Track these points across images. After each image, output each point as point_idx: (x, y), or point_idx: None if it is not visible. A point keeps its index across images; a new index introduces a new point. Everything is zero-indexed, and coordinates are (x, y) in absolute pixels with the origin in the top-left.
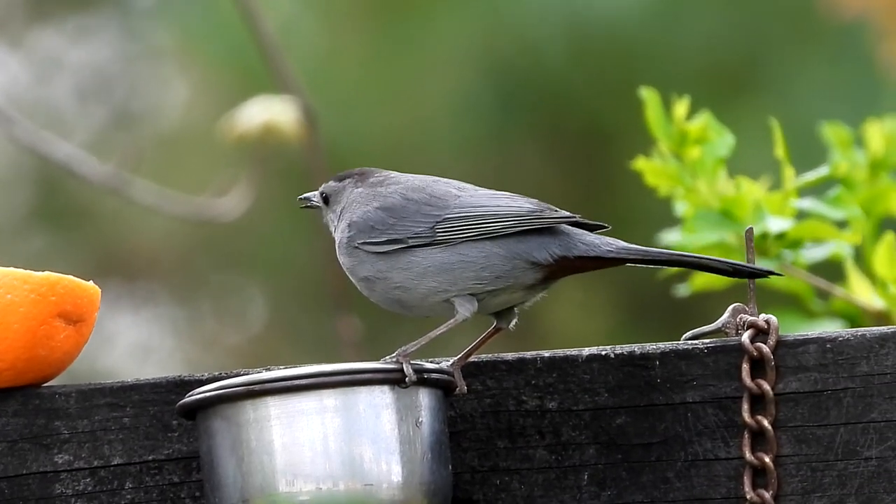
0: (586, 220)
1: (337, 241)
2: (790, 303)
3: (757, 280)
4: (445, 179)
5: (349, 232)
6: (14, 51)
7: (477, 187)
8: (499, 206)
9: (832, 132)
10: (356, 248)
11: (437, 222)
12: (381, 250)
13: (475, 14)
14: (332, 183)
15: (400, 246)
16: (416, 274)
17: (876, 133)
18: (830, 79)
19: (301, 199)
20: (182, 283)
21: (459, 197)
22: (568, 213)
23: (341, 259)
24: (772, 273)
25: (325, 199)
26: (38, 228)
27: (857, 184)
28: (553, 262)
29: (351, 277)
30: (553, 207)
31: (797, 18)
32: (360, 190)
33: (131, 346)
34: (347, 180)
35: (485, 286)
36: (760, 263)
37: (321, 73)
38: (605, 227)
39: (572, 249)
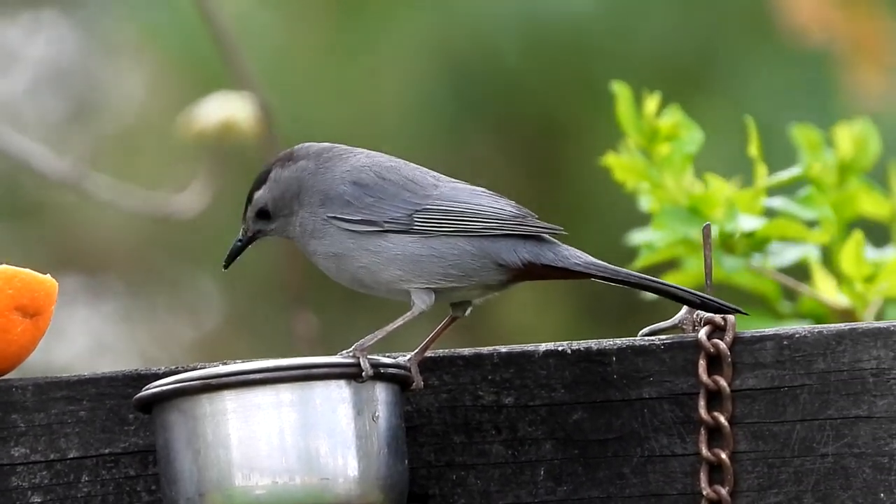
0: (546, 225)
1: (301, 228)
2: (757, 303)
3: (723, 280)
4: (408, 163)
5: (321, 207)
6: None
7: (451, 179)
8: (481, 205)
9: (802, 134)
10: (326, 220)
11: (416, 211)
12: (354, 228)
13: (430, 8)
14: (257, 193)
15: (374, 228)
16: (383, 259)
17: (845, 136)
18: (785, 81)
19: (226, 262)
20: (138, 277)
21: (438, 187)
22: (549, 225)
23: (306, 241)
24: (739, 311)
25: (264, 212)
26: None
27: (826, 186)
28: (521, 267)
29: (314, 257)
30: (533, 214)
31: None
32: (303, 164)
33: (87, 339)
34: (271, 172)
35: (449, 283)
36: (726, 260)
37: (277, 68)
38: (559, 231)
39: (541, 257)
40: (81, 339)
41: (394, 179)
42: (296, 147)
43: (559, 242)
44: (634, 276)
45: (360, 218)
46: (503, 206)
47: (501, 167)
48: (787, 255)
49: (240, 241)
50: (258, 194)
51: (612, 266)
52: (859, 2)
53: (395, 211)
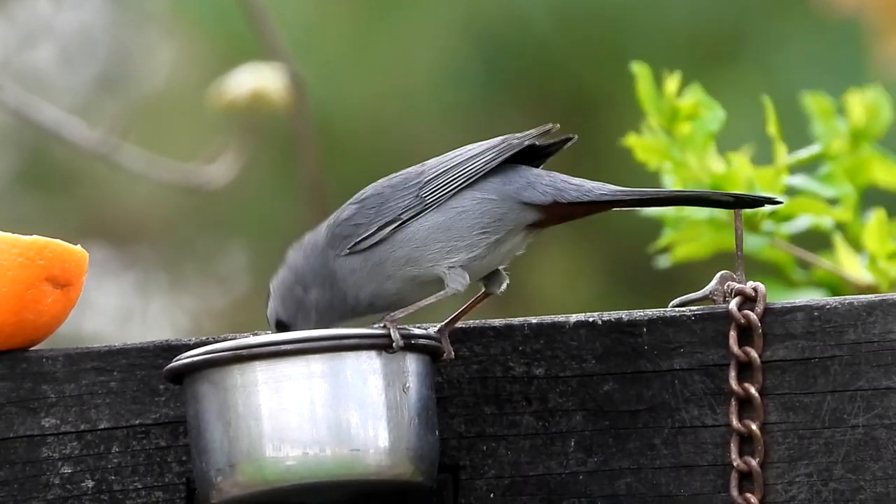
0: (535, 130)
1: (328, 300)
2: (771, 273)
3: (754, 249)
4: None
5: (332, 249)
6: None
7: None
8: (468, 149)
9: (814, 102)
10: (347, 255)
11: (420, 188)
12: (375, 238)
13: None
14: (270, 308)
15: (395, 225)
16: (418, 243)
17: (857, 103)
18: (816, 51)
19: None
20: (168, 248)
21: (426, 164)
22: (540, 128)
23: (346, 301)
24: (775, 201)
25: (284, 325)
26: (23, 193)
27: (838, 154)
28: (545, 201)
29: (361, 302)
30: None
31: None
32: (297, 251)
33: (117, 310)
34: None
35: (488, 234)
36: (750, 238)
37: (308, 40)
38: (571, 139)
39: (562, 190)
40: (111, 310)
41: (390, 184)
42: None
43: (570, 177)
44: (662, 192)
45: (375, 228)
46: (485, 142)
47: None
48: (800, 222)
49: None
50: (269, 312)
51: (637, 189)
52: None
53: (402, 201)
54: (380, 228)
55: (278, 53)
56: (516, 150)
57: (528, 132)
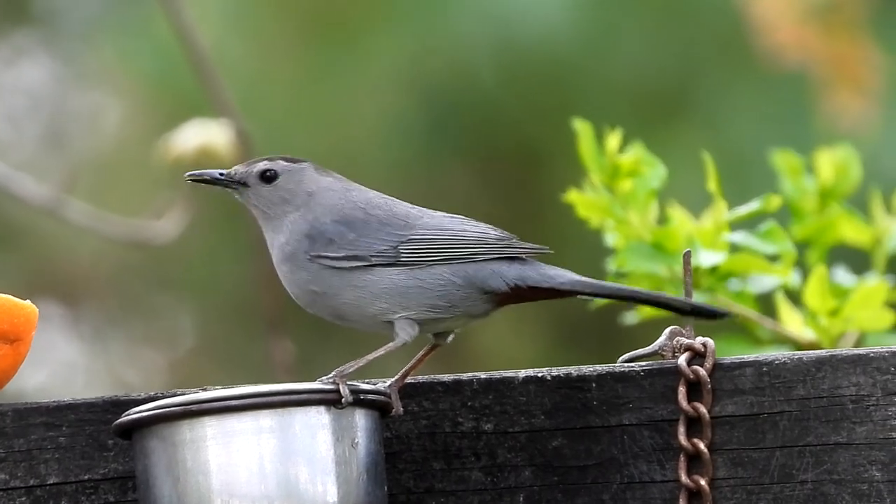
0: (531, 246)
1: (285, 248)
2: (737, 330)
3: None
4: (398, 200)
5: (305, 243)
6: None
7: (433, 211)
8: (465, 229)
9: (782, 160)
10: (310, 260)
11: (401, 242)
12: (339, 265)
13: (406, 36)
14: (281, 162)
15: (361, 263)
16: (369, 294)
17: (826, 162)
18: (762, 104)
19: (193, 177)
20: (115, 303)
21: (421, 218)
22: (534, 246)
23: (287, 268)
24: (728, 315)
25: (269, 177)
26: None
27: (806, 213)
28: (507, 291)
29: (293, 289)
30: (515, 237)
31: (730, 49)
32: (329, 180)
33: (63, 366)
34: (306, 164)
35: (435, 314)
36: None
37: (253, 96)
38: (546, 251)
39: (526, 279)
40: (58, 365)
41: (377, 214)
42: (327, 170)
43: (541, 263)
44: (623, 289)
45: (344, 254)
46: (485, 230)
47: (479, 195)
48: (763, 282)
49: (222, 174)
50: (283, 163)
51: (599, 282)
52: (836, 23)
53: (380, 244)
54: (347, 258)
55: (225, 109)
56: (510, 255)
57: (525, 246)
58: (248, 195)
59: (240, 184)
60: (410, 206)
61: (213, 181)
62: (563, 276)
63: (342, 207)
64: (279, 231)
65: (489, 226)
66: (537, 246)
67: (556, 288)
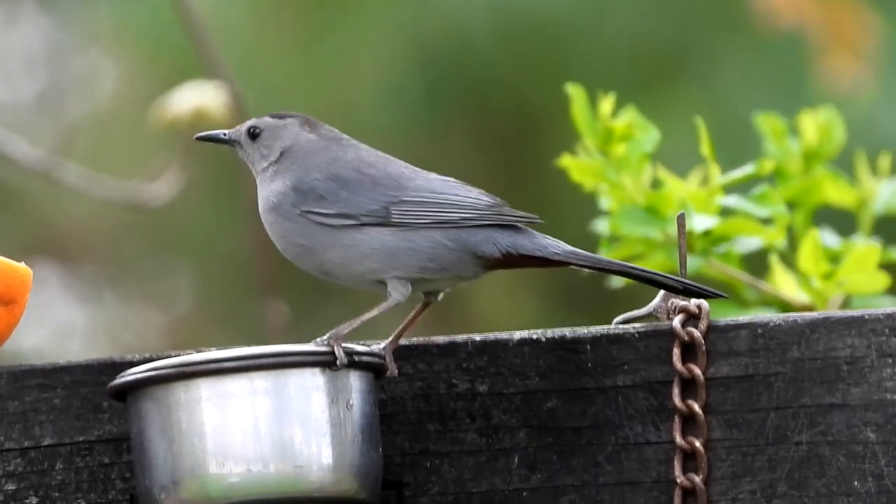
0: (523, 214)
1: (269, 199)
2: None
3: (690, 269)
4: (392, 157)
5: (293, 196)
6: None
7: (426, 171)
8: (457, 195)
9: (766, 122)
10: (300, 214)
11: (393, 203)
12: (330, 223)
13: None
14: (267, 119)
15: (351, 222)
16: (358, 253)
17: (810, 124)
18: (759, 69)
19: (201, 136)
20: (111, 265)
21: (414, 180)
22: (525, 214)
23: (272, 218)
24: (720, 296)
25: (254, 134)
26: None
27: (790, 175)
28: (499, 257)
29: (279, 240)
30: (507, 204)
31: (726, 11)
32: (311, 137)
33: (59, 327)
34: (290, 119)
35: (425, 275)
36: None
37: (249, 59)
38: (535, 220)
39: (519, 248)
40: (52, 327)
41: (371, 173)
42: (323, 123)
43: (534, 231)
44: (616, 263)
45: (335, 211)
46: (478, 196)
47: (475, 158)
48: (750, 242)
49: (225, 134)
50: (267, 119)
51: (591, 254)
52: None
53: (372, 204)
54: (337, 215)
55: (220, 71)
56: (501, 223)
57: (517, 214)
58: (241, 153)
59: (235, 142)
60: (404, 164)
61: (219, 141)
62: (556, 245)
63: (334, 164)
64: (264, 184)
65: (482, 191)
66: (528, 214)
67: (548, 258)
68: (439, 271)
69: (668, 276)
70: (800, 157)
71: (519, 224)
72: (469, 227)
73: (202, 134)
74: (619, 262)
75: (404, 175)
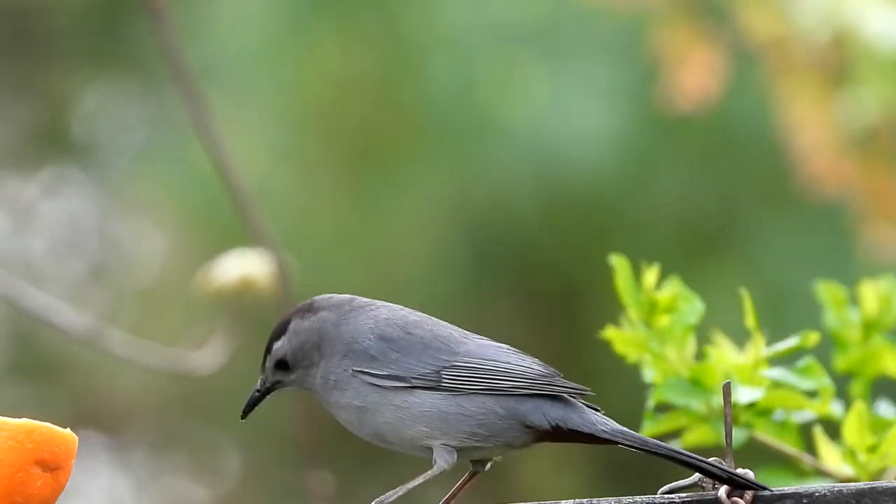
0: (574, 385)
1: (322, 380)
2: (780, 461)
3: (735, 440)
4: (431, 317)
5: (345, 359)
6: None
7: (477, 335)
8: (509, 363)
9: (826, 291)
10: (352, 374)
11: (444, 367)
12: (380, 383)
13: (447, 169)
14: (276, 343)
15: (402, 384)
16: (409, 416)
17: (870, 293)
18: (801, 236)
19: (243, 413)
20: (156, 435)
21: (465, 344)
22: (577, 386)
23: (328, 392)
24: (765, 488)
25: (285, 364)
26: (12, 379)
27: (849, 344)
28: (548, 429)
29: (335, 409)
30: (559, 374)
31: (771, 185)
32: (324, 315)
33: (104, 497)
34: (292, 322)
35: (475, 442)
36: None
37: (294, 227)
38: (586, 392)
39: (568, 422)
40: (97, 497)
41: (420, 335)
42: (316, 298)
43: (584, 406)
44: (663, 447)
45: (387, 373)
46: (530, 365)
47: (519, 327)
48: (806, 414)
49: (258, 391)
50: (277, 345)
51: (639, 435)
52: (873, 153)
53: (423, 367)
54: (389, 377)
55: (266, 240)
56: (552, 393)
57: (568, 385)
58: (289, 386)
59: (276, 384)
60: (453, 327)
61: (256, 400)
62: (605, 423)
63: (381, 325)
64: (321, 372)
65: (535, 360)
66: (580, 386)
67: (596, 434)
68: (488, 438)
69: (715, 464)
70: (859, 327)
71: (571, 397)
72: (519, 395)
73: (243, 411)
74: (666, 445)
75: (454, 338)
